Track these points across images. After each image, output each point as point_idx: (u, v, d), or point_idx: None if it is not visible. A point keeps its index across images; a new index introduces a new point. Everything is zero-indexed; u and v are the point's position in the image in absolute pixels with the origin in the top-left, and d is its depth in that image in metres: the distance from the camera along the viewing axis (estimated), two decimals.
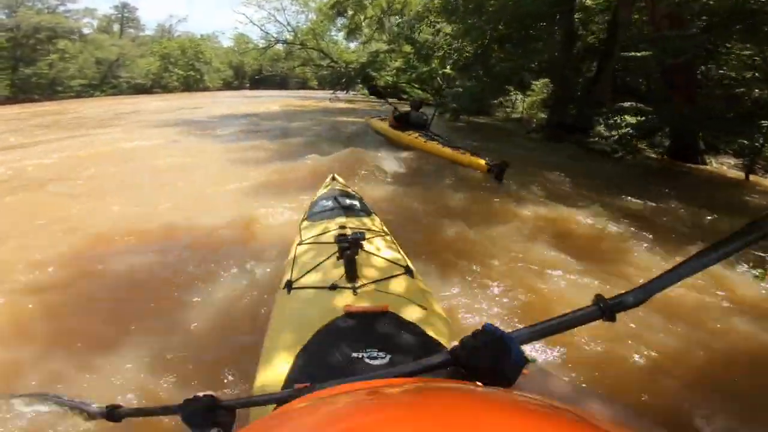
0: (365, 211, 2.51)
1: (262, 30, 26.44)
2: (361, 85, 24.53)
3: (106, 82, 48.56)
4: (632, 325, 2.50)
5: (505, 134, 12.89)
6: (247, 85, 61.51)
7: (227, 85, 59.28)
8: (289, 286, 1.62)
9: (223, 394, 0.93)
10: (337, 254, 1.58)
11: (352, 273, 1.56)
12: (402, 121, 8.24)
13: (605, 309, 0.72)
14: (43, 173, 6.39)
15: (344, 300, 1.44)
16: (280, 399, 0.83)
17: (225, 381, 1.99)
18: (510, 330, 0.74)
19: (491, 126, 15.33)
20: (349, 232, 1.85)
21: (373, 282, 1.58)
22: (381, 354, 1.11)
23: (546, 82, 16.23)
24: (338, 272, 1.61)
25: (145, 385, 2.04)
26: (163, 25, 50.44)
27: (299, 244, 1.99)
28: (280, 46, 27.07)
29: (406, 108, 8.99)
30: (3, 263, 3.30)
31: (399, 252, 1.93)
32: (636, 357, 2.28)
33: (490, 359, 0.67)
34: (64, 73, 43.87)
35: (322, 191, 2.93)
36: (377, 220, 2.44)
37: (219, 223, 3.99)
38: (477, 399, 0.45)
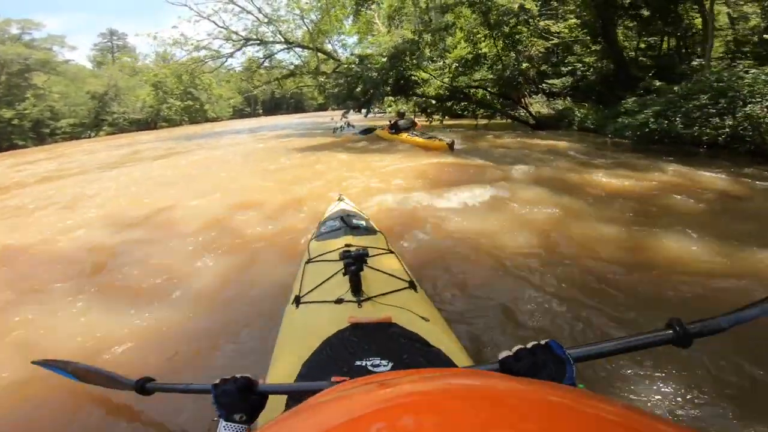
0: (371, 231, 2.15)
1: (219, 26, 14.07)
2: (393, 99, 12.19)
3: (102, 119, 38.12)
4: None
5: None
6: (260, 111, 50.27)
7: (239, 113, 48.23)
8: (298, 300, 1.47)
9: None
10: (343, 270, 1.39)
11: (356, 287, 1.35)
12: (394, 127, 9.30)
13: (681, 333, 0.59)
14: None
15: (349, 313, 1.25)
16: (313, 389, 0.70)
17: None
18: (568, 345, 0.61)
19: None
20: (353, 249, 1.40)
21: (377, 296, 1.37)
22: (384, 362, 0.96)
23: None
24: (344, 287, 1.40)
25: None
26: (158, 51, 39.10)
27: (307, 261, 1.76)
28: (252, 50, 14.74)
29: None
30: None
31: (403, 267, 1.69)
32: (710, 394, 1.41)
33: (543, 377, 0.56)
34: (47, 113, 33.56)
35: (329, 211, 2.53)
36: (382, 239, 2.03)
37: None
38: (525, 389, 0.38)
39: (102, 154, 14.06)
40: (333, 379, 0.73)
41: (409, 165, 5.91)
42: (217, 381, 0.77)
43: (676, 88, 6.18)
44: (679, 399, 1.45)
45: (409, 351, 1.02)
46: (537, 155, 6.02)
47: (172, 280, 2.73)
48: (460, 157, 6.18)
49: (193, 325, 2.18)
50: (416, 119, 10.23)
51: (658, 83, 8.81)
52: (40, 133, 34.01)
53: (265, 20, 13.73)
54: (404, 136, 8.80)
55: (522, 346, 0.62)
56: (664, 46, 13.22)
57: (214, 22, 13.68)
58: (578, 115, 9.83)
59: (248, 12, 13.75)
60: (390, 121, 9.78)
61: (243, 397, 0.75)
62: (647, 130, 5.94)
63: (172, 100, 35.66)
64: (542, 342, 0.61)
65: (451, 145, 7.13)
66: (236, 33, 13.91)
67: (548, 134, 9.11)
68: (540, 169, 4.96)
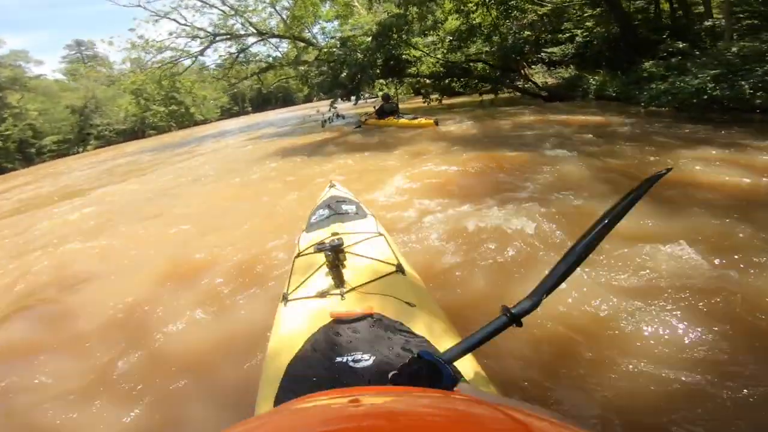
0: (361, 215, 1.99)
1: (181, 24, 12.52)
2: (384, 82, 10.77)
3: (87, 133, 36.38)
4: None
5: None
6: (249, 109, 48.54)
7: (227, 113, 46.47)
8: (285, 298, 1.37)
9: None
10: (326, 262, 1.32)
11: (338, 279, 1.30)
12: (380, 113, 9.08)
13: (511, 317, 0.67)
14: None
15: (332, 307, 1.20)
16: None
17: (236, 390, 1.65)
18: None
19: None
20: (328, 240, 1.36)
21: (361, 285, 1.30)
22: (365, 356, 0.95)
23: None
24: (329, 280, 1.34)
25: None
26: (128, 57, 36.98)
27: (297, 256, 1.64)
28: (223, 46, 13.22)
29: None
30: None
31: (392, 251, 1.56)
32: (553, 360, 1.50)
33: (427, 382, 0.62)
34: (28, 132, 31.90)
35: (320, 200, 2.36)
36: (373, 222, 1.91)
37: None
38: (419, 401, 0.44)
39: (75, 175, 12.83)
40: None
41: (420, 164, 4.69)
42: None
43: (734, 50, 4.94)
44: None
45: (391, 342, 0.99)
46: (574, 136, 4.79)
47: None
48: (483, 149, 4.89)
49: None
50: (398, 102, 10.22)
51: (681, 45, 7.58)
52: (26, 153, 32.60)
53: (231, 12, 12.22)
54: (391, 119, 8.78)
55: (403, 363, 0.66)
56: (664, 7, 11.79)
57: (174, 20, 12.18)
58: (593, 83, 8.54)
59: (211, 5, 12.24)
60: (374, 107, 9.63)
61: None
62: (705, 97, 4.70)
63: (155, 107, 33.98)
64: (415, 354, 0.66)
65: (436, 122, 7.61)
66: (202, 29, 12.44)
67: (566, 106, 7.86)
68: (591, 156, 3.73)
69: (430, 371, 0.62)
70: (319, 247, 1.28)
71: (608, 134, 4.56)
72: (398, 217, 3.15)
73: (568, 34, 11.88)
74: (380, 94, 14.08)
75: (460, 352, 0.68)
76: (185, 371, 1.84)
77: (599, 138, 4.40)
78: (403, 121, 8.40)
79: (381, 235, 1.69)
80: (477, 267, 2.22)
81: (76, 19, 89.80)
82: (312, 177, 5.20)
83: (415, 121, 8.07)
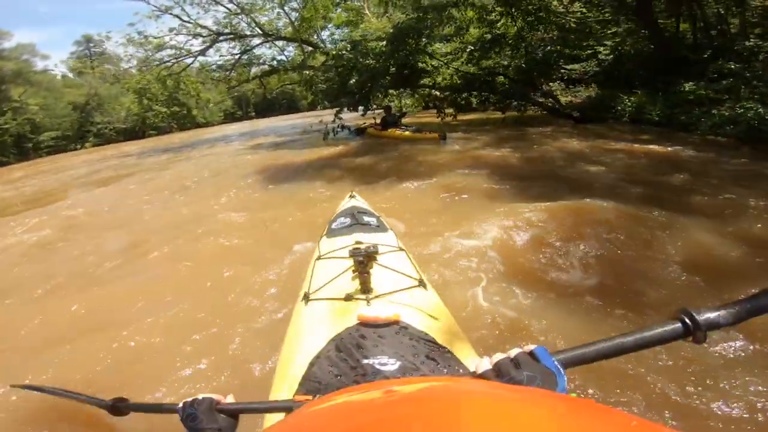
0: (382, 228, 2.03)
1: (186, 21, 11.72)
2: (394, 93, 9.88)
3: (86, 130, 35.52)
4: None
5: None
6: (252, 113, 47.81)
7: (231, 117, 45.71)
8: (307, 297, 1.39)
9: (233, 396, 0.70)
10: (353, 268, 1.34)
11: (365, 285, 1.29)
12: (383, 124, 8.84)
13: (694, 327, 0.47)
14: None
15: (358, 310, 1.18)
16: (281, 408, 0.71)
17: (246, 382, 1.73)
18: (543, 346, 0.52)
19: None
20: (363, 246, 1.35)
21: (386, 294, 1.31)
22: (391, 360, 0.94)
23: None
24: (353, 285, 1.36)
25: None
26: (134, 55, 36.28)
27: (317, 258, 1.69)
28: (227, 46, 12.41)
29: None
30: None
31: (413, 266, 1.57)
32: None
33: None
34: (27, 126, 31.03)
35: (341, 208, 2.38)
36: (393, 237, 1.93)
37: None
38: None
39: (64, 175, 11.87)
40: (296, 399, 0.70)
41: (450, 199, 3.71)
42: (180, 404, 0.72)
43: None
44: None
45: (417, 350, 0.99)
46: (659, 177, 3.53)
47: None
48: (536, 187, 3.68)
49: None
50: (401, 114, 10.09)
51: (733, 66, 6.76)
52: (22, 148, 31.71)
53: (238, 11, 11.41)
54: (394, 131, 8.51)
55: (503, 356, 0.52)
56: (683, 27, 10.99)
57: (177, 17, 11.35)
58: (629, 104, 7.64)
59: (217, 2, 11.43)
60: (375, 119, 9.59)
61: (210, 418, 0.68)
62: None
63: (157, 107, 33.25)
64: (526, 350, 0.52)
65: (442, 137, 7.14)
66: (205, 27, 11.62)
67: (603, 130, 6.95)
68: (713, 216, 2.63)
69: (542, 378, 0.47)
70: (354, 252, 1.25)
71: (702, 174, 3.42)
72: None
73: (590, 51, 11.11)
74: (387, 103, 13.27)
75: (585, 358, 0.51)
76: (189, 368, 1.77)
77: (696, 179, 3.27)
78: (405, 134, 8.19)
79: (402, 250, 1.67)
80: None
81: (93, 15, 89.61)
82: (309, 199, 4.24)
83: (419, 134, 7.96)
